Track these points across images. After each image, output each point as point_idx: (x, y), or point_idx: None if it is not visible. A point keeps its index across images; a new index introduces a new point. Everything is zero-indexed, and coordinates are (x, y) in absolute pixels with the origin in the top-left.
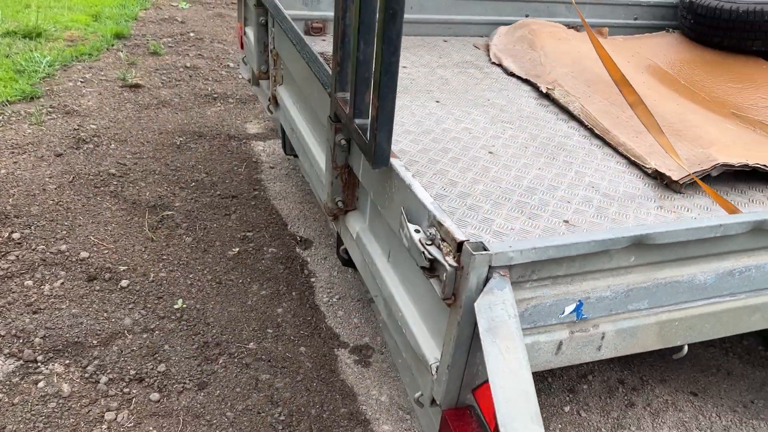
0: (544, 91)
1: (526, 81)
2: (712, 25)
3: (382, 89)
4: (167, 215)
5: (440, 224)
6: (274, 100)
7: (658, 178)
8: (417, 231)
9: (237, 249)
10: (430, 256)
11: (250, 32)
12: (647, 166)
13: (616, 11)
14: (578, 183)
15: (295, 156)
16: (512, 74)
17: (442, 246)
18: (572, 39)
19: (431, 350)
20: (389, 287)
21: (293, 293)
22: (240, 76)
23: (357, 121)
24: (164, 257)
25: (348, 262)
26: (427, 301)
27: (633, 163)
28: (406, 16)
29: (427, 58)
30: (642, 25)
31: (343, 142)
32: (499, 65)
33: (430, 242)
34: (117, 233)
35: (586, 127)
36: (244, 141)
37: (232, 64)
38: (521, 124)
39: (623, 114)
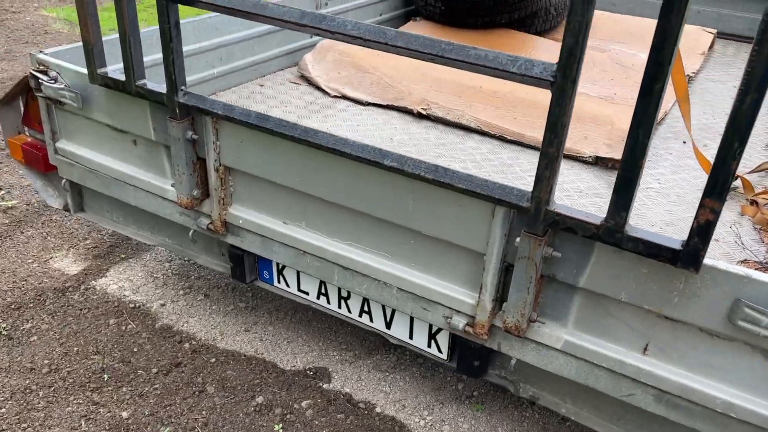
0: (421, 112)
1: (389, 107)
2: (465, 9)
3: None
4: None
5: None
6: (223, 225)
7: (600, 164)
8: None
9: None
10: None
11: (160, 153)
12: (585, 155)
13: (366, 12)
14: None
15: (247, 282)
16: (369, 103)
17: None
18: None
19: None
20: (662, 377)
21: None
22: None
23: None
24: None
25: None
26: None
27: (566, 157)
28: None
29: (276, 112)
30: (388, 19)
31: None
32: (343, 97)
33: None
34: None
35: (493, 136)
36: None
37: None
38: (444, 153)
39: (519, 113)
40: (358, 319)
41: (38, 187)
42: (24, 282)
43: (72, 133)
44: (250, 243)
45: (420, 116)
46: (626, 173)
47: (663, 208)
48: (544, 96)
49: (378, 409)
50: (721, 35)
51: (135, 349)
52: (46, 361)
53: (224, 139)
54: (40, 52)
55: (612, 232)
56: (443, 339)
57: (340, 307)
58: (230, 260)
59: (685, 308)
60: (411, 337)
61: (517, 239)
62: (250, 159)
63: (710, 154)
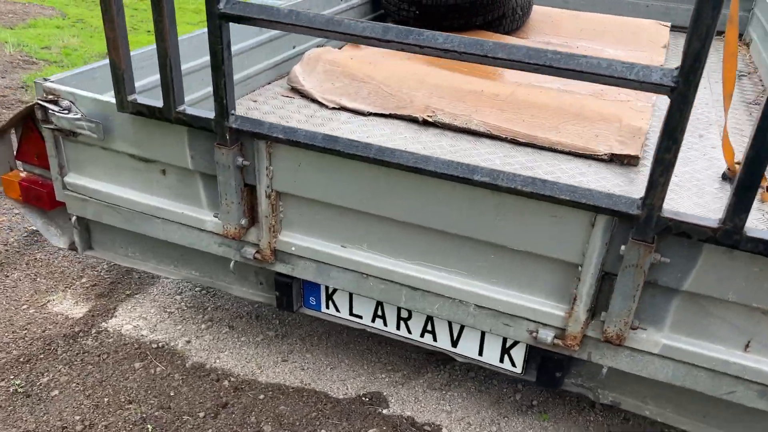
0: (427, 119)
1: (392, 116)
2: (440, 12)
3: None
4: None
5: None
6: (273, 254)
7: (615, 161)
8: None
9: None
10: None
11: (195, 182)
12: (599, 153)
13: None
14: None
15: (294, 311)
16: (371, 114)
17: None
18: (381, 60)
19: None
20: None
21: None
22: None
23: None
24: None
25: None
26: None
27: (581, 156)
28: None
29: None
30: None
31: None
32: (342, 108)
33: None
34: None
35: (504, 140)
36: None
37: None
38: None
39: (527, 115)
40: (420, 339)
41: (39, 226)
42: (25, 331)
43: (84, 166)
44: (303, 270)
45: (426, 123)
46: (748, 176)
47: (690, 201)
48: (547, 97)
49: (445, 430)
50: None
51: (171, 393)
52: (78, 417)
53: (279, 163)
54: (45, 80)
55: (730, 234)
56: (518, 353)
57: (398, 328)
58: (276, 289)
59: None
60: (480, 354)
61: (622, 247)
62: (309, 182)
63: (704, 144)
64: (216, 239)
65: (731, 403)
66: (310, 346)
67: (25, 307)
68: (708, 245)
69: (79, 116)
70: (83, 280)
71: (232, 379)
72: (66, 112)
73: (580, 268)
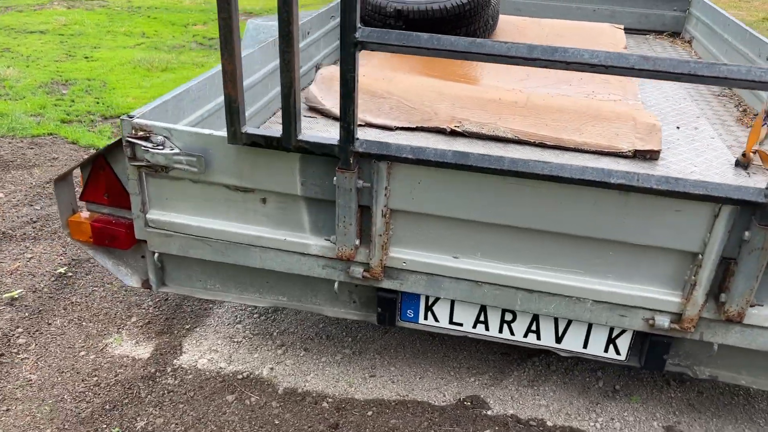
0: (455, 129)
1: (420, 129)
2: (425, 25)
3: None
4: None
5: None
6: (383, 271)
7: (638, 156)
8: None
9: None
10: None
11: (298, 209)
12: (623, 150)
13: (318, 45)
14: None
15: (394, 325)
16: (398, 128)
17: None
18: (394, 75)
19: None
20: None
21: None
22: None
23: None
24: None
25: None
26: None
27: (607, 154)
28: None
29: None
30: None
31: None
32: (368, 125)
33: None
34: None
35: (532, 144)
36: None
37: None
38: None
39: (549, 119)
40: (523, 339)
41: (109, 267)
42: (96, 377)
43: (169, 201)
44: (413, 284)
45: (453, 134)
46: None
47: None
48: (561, 102)
49: (549, 423)
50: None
51: (276, 422)
52: None
53: (397, 182)
54: (131, 116)
55: None
56: (624, 341)
57: (501, 331)
58: (379, 305)
59: None
60: (585, 347)
61: (746, 233)
62: (426, 198)
63: (702, 136)
64: (320, 262)
65: None
66: (390, 359)
67: (83, 353)
68: None
69: (176, 151)
70: (133, 319)
71: (330, 399)
72: (160, 147)
73: (700, 256)
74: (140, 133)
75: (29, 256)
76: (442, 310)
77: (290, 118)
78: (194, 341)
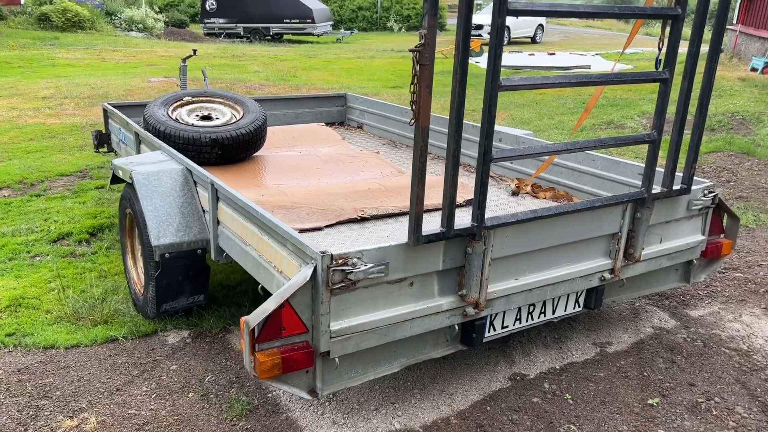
0: (364, 216)
1: (339, 223)
2: (236, 146)
3: None
4: None
5: None
6: (485, 303)
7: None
8: None
9: None
10: None
11: (432, 281)
12: (461, 201)
13: None
14: None
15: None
16: (326, 227)
17: None
18: (288, 189)
19: None
20: None
21: None
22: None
23: None
24: None
25: None
26: None
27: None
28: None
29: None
30: None
31: None
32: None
33: None
34: None
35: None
36: None
37: None
38: None
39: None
40: (538, 320)
41: (288, 389)
42: None
43: (346, 309)
44: (498, 306)
45: (363, 220)
46: None
47: None
48: (401, 179)
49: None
50: None
51: None
52: None
53: (497, 240)
54: (323, 253)
55: None
56: (582, 298)
57: (528, 320)
58: (474, 332)
59: None
60: (565, 310)
61: (637, 214)
62: (508, 246)
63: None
64: (447, 314)
65: None
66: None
67: None
68: None
69: (370, 266)
70: None
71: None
72: (358, 266)
73: (619, 233)
74: (339, 261)
75: None
76: (497, 321)
77: (449, 215)
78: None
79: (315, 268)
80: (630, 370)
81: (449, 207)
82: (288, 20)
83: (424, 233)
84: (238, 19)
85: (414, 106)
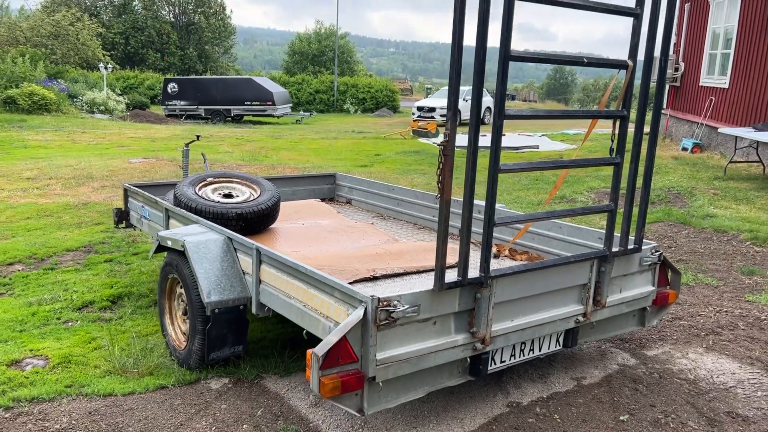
0: (375, 276)
1: (356, 282)
2: (257, 220)
3: None
4: None
5: None
6: (490, 339)
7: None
8: None
9: None
10: None
11: (449, 321)
12: (452, 263)
13: None
14: None
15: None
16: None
17: None
18: (309, 254)
19: None
20: None
21: None
22: None
23: None
24: None
25: None
26: None
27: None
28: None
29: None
30: None
31: None
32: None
33: None
34: None
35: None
36: None
37: None
38: None
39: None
40: (528, 356)
41: (341, 406)
42: None
43: (387, 342)
44: (499, 343)
45: (375, 278)
46: None
47: None
48: (401, 245)
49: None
50: None
51: None
52: None
53: (500, 287)
54: (373, 297)
55: None
56: (562, 337)
57: (520, 356)
58: (479, 364)
59: None
60: (549, 348)
61: (602, 268)
62: (508, 291)
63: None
64: (461, 348)
65: None
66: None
67: None
68: None
69: (406, 307)
70: None
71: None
72: (398, 308)
73: (588, 283)
74: (384, 304)
75: None
76: (497, 356)
77: (464, 268)
78: None
79: (366, 309)
80: (603, 397)
81: (464, 261)
82: (249, 102)
83: (446, 281)
84: (199, 101)
85: (439, 185)
